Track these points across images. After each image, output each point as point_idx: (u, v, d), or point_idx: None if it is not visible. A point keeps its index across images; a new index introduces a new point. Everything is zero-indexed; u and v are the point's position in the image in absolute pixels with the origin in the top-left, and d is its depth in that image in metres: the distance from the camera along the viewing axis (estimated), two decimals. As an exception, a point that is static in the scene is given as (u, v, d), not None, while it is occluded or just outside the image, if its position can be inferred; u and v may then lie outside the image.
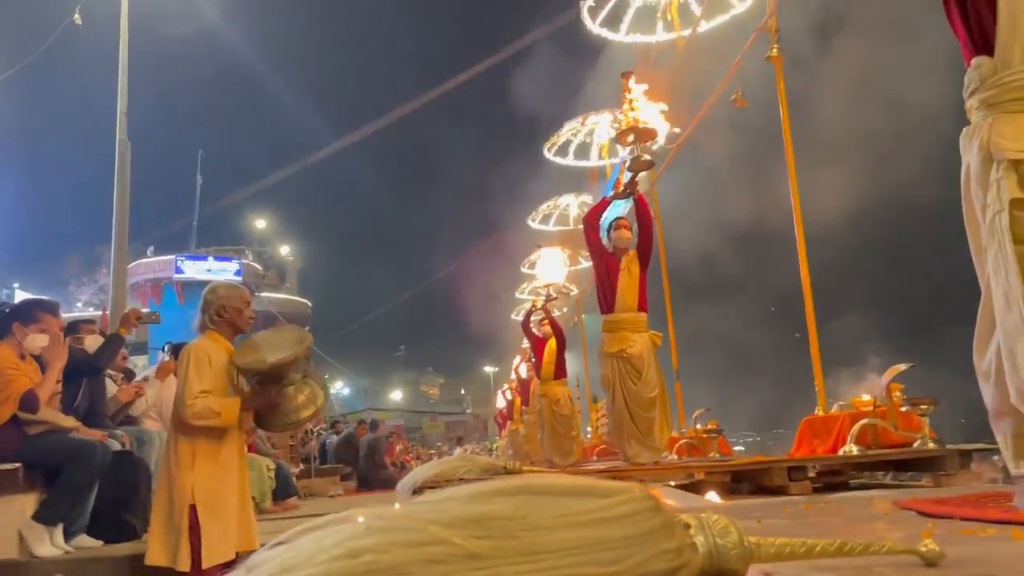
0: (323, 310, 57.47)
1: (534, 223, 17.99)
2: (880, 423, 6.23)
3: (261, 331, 3.82)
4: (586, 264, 15.08)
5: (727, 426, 9.50)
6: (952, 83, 2.56)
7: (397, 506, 1.25)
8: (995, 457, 6.51)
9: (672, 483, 6.86)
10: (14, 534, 3.96)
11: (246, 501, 3.70)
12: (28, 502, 4.12)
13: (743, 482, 6.10)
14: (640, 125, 6.16)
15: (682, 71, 10.54)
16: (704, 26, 11.16)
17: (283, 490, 7.70)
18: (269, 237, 52.23)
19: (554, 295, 10.84)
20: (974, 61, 2.50)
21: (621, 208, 7.17)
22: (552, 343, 9.84)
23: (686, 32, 11.47)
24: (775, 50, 8.25)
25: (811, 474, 5.72)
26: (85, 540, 4.22)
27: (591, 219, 6.73)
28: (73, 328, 5.23)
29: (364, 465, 12.30)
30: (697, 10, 11.55)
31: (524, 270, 18.54)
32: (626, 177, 6.35)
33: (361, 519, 1.18)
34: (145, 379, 5.89)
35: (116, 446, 4.54)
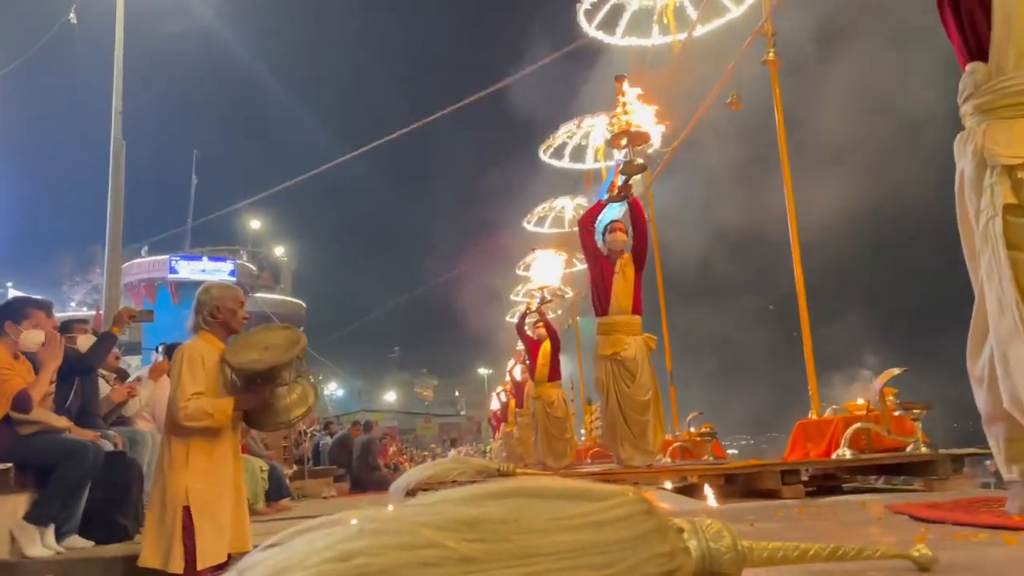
0: (317, 311, 57.41)
1: (529, 225, 18.00)
2: (873, 427, 6.24)
3: (253, 328, 3.80)
4: (581, 267, 15.08)
5: (721, 429, 9.53)
6: (950, 88, 2.56)
7: (390, 508, 1.25)
8: (987, 462, 6.54)
9: (667, 486, 6.87)
10: (5, 534, 3.94)
11: (241, 502, 3.69)
12: (20, 502, 4.10)
13: (736, 485, 6.10)
14: (633, 129, 6.16)
15: (678, 74, 10.56)
16: (700, 30, 11.19)
17: (276, 491, 7.67)
18: (264, 237, 52.17)
19: (548, 298, 10.84)
20: (968, 67, 2.51)
21: (616, 211, 7.17)
22: (546, 345, 9.85)
23: (682, 36, 11.49)
24: (771, 54, 8.28)
25: (804, 478, 5.73)
26: (77, 541, 4.20)
27: (586, 222, 6.74)
28: (66, 328, 5.22)
29: (357, 466, 12.28)
30: (693, 14, 11.57)
31: (519, 272, 18.54)
32: (620, 180, 6.35)
33: (354, 521, 1.18)
34: (138, 379, 5.88)
35: (108, 446, 4.52)
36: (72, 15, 13.63)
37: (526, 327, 10.75)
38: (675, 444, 8.94)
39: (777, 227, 8.38)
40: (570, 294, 17.49)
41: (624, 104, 6.27)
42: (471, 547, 1.14)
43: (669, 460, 8.18)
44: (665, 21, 12.01)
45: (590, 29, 12.24)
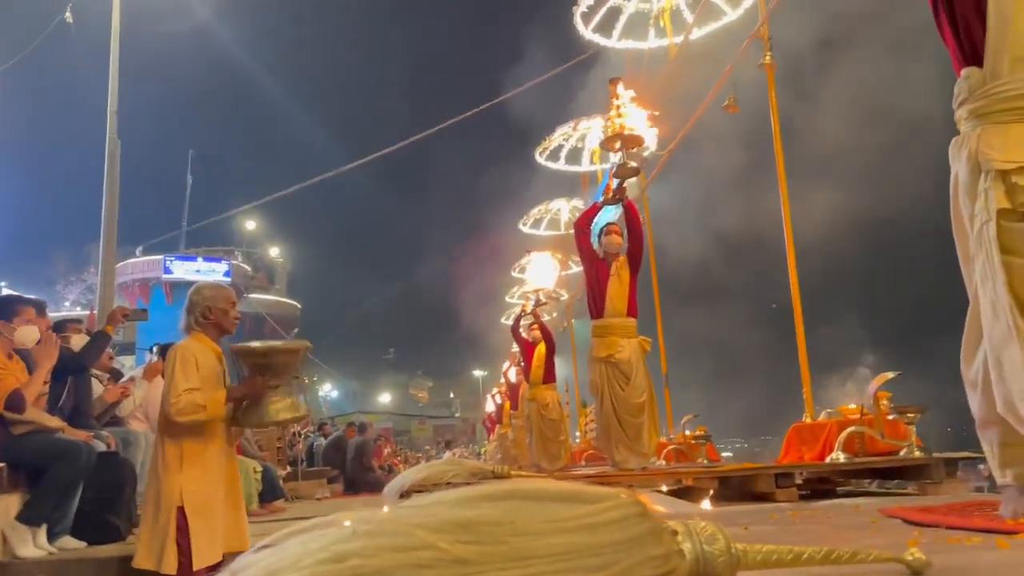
0: (312, 312, 57.41)
1: (525, 227, 18.00)
2: (867, 431, 6.25)
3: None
4: (577, 269, 15.09)
5: (715, 432, 9.53)
6: (948, 93, 2.57)
7: (384, 510, 1.25)
8: (981, 466, 6.55)
9: (661, 489, 6.88)
10: (-3, 535, 3.93)
11: (238, 502, 3.69)
12: (12, 502, 4.09)
13: (731, 488, 6.10)
14: (626, 132, 6.17)
15: (674, 78, 10.58)
16: (696, 33, 11.21)
17: (270, 492, 7.65)
18: (259, 238, 52.11)
19: (543, 300, 10.85)
20: (963, 72, 2.52)
21: (612, 214, 7.18)
22: (541, 348, 9.85)
23: (678, 39, 11.51)
24: (768, 57, 8.30)
25: (798, 481, 5.74)
26: (69, 541, 4.18)
27: (582, 224, 6.75)
28: (60, 327, 5.20)
29: (352, 468, 12.25)
30: (689, 17, 11.59)
31: (515, 274, 18.55)
32: (614, 183, 6.36)
33: (348, 523, 1.17)
34: (131, 379, 5.85)
35: (101, 447, 4.51)
36: (68, 14, 13.60)
37: (521, 329, 10.75)
38: (670, 447, 8.94)
39: (774, 230, 8.40)
40: (565, 296, 17.50)
41: (618, 107, 6.29)
42: (465, 549, 1.14)
43: (663, 463, 8.18)
44: (662, 24, 12.03)
45: (586, 32, 12.25)
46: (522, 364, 11.00)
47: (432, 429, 58.21)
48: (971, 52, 2.49)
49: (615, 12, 12.19)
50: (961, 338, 2.52)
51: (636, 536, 1.28)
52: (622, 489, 1.36)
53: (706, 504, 5.90)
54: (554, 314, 17.56)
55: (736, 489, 5.98)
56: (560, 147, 14.86)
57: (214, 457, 3.54)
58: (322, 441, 13.76)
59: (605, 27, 12.31)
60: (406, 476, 2.12)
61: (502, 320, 22.46)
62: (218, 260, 43.97)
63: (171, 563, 3.31)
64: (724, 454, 14.25)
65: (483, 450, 31.03)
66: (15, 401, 3.97)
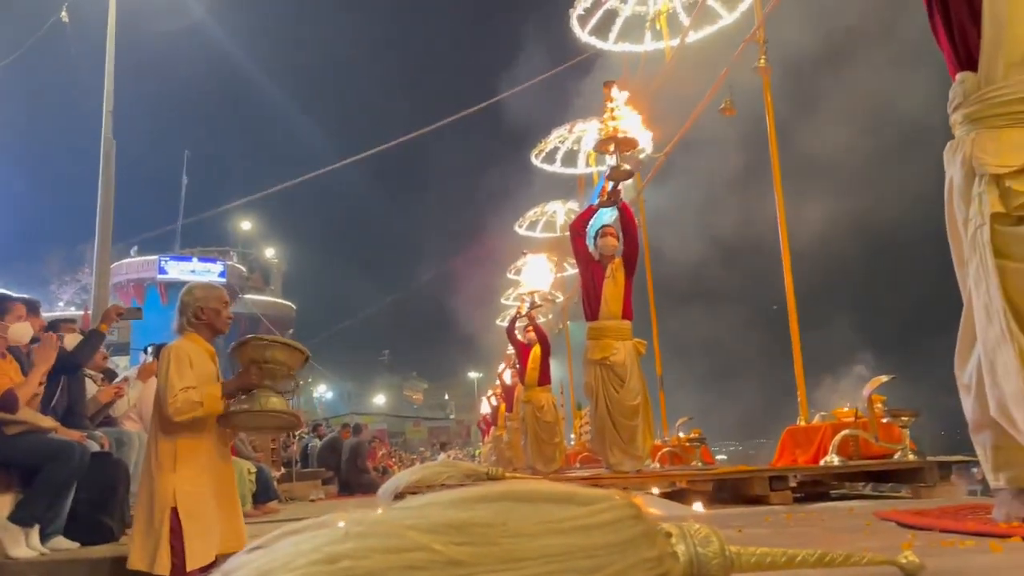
0: (307, 313, 57.30)
1: (521, 229, 18.03)
2: (861, 434, 6.27)
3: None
4: (572, 271, 15.12)
5: (710, 435, 9.54)
6: (944, 97, 2.58)
7: (377, 511, 1.24)
8: (974, 469, 6.56)
9: (655, 491, 6.88)
10: (-11, 535, 3.91)
11: (234, 503, 3.68)
12: (4, 503, 4.07)
13: (725, 491, 6.11)
14: (620, 135, 6.18)
15: (671, 80, 10.59)
16: (692, 36, 11.23)
17: (264, 494, 7.64)
18: (254, 239, 51.98)
19: (539, 302, 10.85)
20: (958, 76, 2.52)
21: (607, 216, 7.19)
22: (537, 350, 9.85)
23: (675, 42, 11.53)
24: (763, 61, 8.32)
25: (792, 484, 5.75)
26: (62, 542, 4.17)
27: (577, 227, 6.75)
28: (53, 327, 5.19)
29: (346, 469, 12.24)
30: (686, 20, 11.62)
31: (510, 276, 18.56)
32: (609, 186, 6.37)
33: (340, 524, 1.17)
34: (125, 380, 5.84)
35: (95, 447, 4.49)
36: (64, 13, 13.57)
37: (516, 331, 10.75)
38: (664, 449, 8.95)
39: (770, 233, 8.42)
40: (561, 299, 17.51)
41: (612, 110, 6.30)
42: (458, 550, 1.14)
43: (658, 465, 8.19)
44: (658, 27, 12.06)
45: (583, 34, 12.27)
46: (517, 366, 11.01)
47: (427, 431, 58.18)
48: (966, 57, 2.50)
49: (611, 15, 12.22)
50: (955, 341, 2.52)
51: (630, 538, 1.28)
52: (616, 491, 1.36)
53: (700, 507, 5.91)
54: (549, 316, 17.59)
55: (730, 492, 5.98)
56: (556, 149, 14.89)
57: (208, 458, 3.53)
58: (317, 442, 13.74)
59: (601, 30, 12.34)
60: (400, 478, 2.12)
61: (497, 322, 22.47)
62: (213, 260, 43.85)
63: (164, 564, 3.30)
64: (718, 457, 14.25)
65: (478, 452, 31.00)
66: (8, 401, 3.95)
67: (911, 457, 5.86)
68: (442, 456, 31.90)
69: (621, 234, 6.63)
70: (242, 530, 3.63)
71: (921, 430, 6.54)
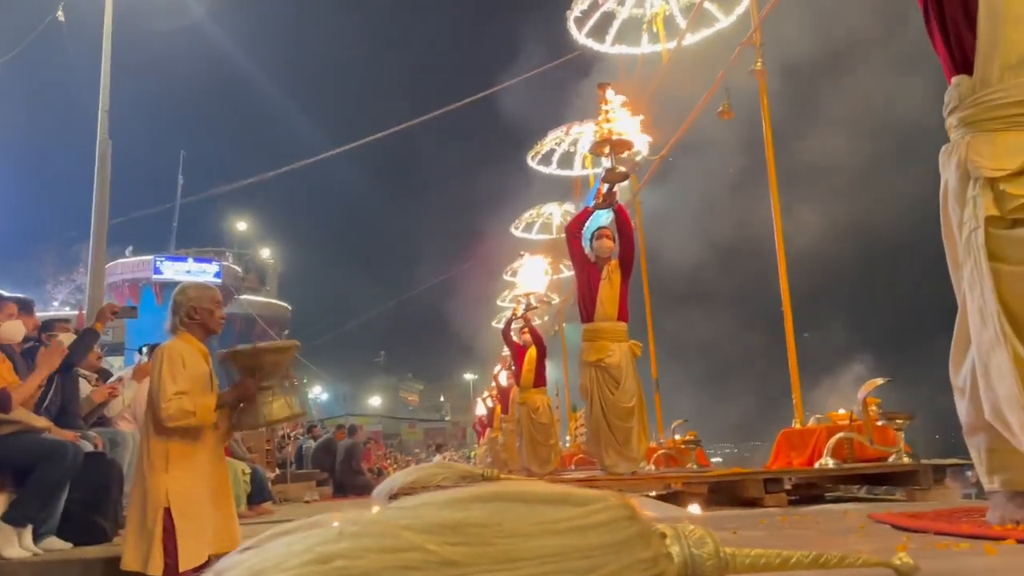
0: (303, 314, 57.20)
1: (517, 231, 18.04)
2: (856, 437, 6.27)
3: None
4: (568, 273, 15.12)
5: (705, 437, 9.54)
6: (940, 101, 2.58)
7: (372, 511, 1.24)
8: (969, 472, 6.58)
9: (650, 493, 6.87)
10: (-18, 535, 3.89)
11: (228, 503, 3.67)
12: (-3, 503, 4.05)
13: (720, 493, 6.11)
14: (615, 137, 6.19)
15: (667, 83, 10.61)
16: (689, 39, 11.25)
17: (258, 495, 7.62)
18: (250, 239, 51.94)
19: (534, 304, 10.86)
20: (954, 80, 2.53)
21: (604, 218, 7.20)
22: (532, 351, 9.86)
23: (671, 44, 11.54)
24: (759, 64, 8.33)
25: (787, 486, 5.75)
26: (55, 542, 4.15)
27: (573, 228, 6.76)
28: (48, 326, 5.17)
29: (341, 471, 12.21)
30: (682, 23, 11.63)
31: (507, 278, 18.56)
32: (604, 188, 6.38)
33: (334, 524, 1.16)
34: (120, 379, 5.82)
35: (88, 447, 4.48)
36: (60, 13, 13.55)
37: (512, 333, 10.75)
38: (659, 451, 8.95)
39: (767, 235, 8.43)
40: (556, 300, 17.52)
41: (607, 112, 6.31)
42: (453, 550, 1.14)
43: (653, 467, 8.19)
44: (655, 30, 12.07)
45: (580, 36, 12.28)
46: (513, 368, 11.01)
47: (422, 432, 58.16)
48: (961, 60, 2.50)
49: (608, 17, 12.24)
50: (950, 345, 2.53)
51: (625, 539, 1.28)
52: (611, 492, 1.35)
53: (695, 508, 5.91)
54: (545, 318, 17.59)
55: (725, 494, 5.99)
56: (552, 151, 14.91)
57: (201, 458, 3.52)
58: (311, 443, 13.71)
59: (598, 32, 12.35)
60: (395, 479, 2.12)
61: (493, 324, 22.47)
62: (209, 261, 43.80)
63: (157, 564, 3.30)
64: (714, 459, 14.27)
65: (473, 453, 31.01)
66: (2, 401, 3.94)
67: (906, 460, 5.87)
68: (437, 458, 31.86)
69: (617, 236, 6.64)
70: (236, 530, 3.63)
71: (916, 433, 6.57)
